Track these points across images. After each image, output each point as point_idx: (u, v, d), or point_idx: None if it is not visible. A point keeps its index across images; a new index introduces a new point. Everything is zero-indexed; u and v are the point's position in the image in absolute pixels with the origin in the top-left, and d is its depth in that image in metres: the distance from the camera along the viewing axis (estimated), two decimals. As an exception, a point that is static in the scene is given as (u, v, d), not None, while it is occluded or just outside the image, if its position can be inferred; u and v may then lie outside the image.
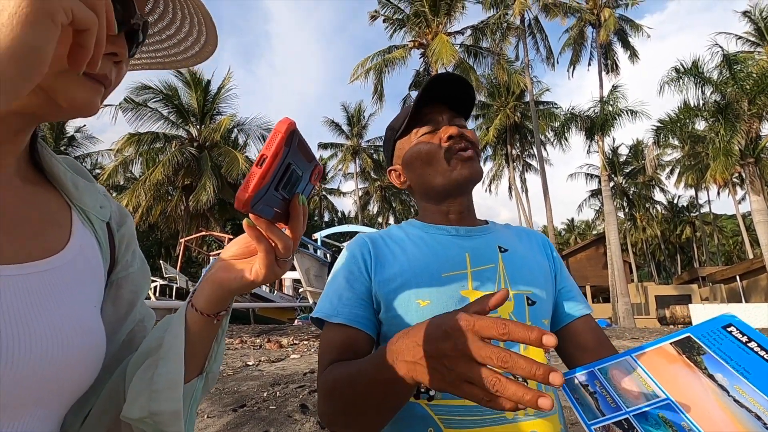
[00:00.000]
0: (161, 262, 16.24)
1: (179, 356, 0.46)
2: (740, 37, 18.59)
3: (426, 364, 0.46)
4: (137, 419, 0.45)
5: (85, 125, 25.44)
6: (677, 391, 0.59)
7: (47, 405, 0.41)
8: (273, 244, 0.43)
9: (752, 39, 18.47)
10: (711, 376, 0.59)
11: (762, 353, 0.58)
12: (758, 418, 0.51)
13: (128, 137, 19.01)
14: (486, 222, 0.92)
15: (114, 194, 25.55)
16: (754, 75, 14.34)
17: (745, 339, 0.61)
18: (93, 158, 24.20)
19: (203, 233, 18.30)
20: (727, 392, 0.56)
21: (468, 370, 0.41)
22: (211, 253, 17.24)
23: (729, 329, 0.63)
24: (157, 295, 15.66)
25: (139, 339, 0.55)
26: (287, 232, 0.44)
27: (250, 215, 0.40)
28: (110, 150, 21.94)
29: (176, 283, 15.20)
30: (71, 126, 23.85)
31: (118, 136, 23.66)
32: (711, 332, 0.64)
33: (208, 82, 20.42)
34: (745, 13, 18.47)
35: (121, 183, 24.21)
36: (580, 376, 0.71)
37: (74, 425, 0.48)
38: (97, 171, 25.32)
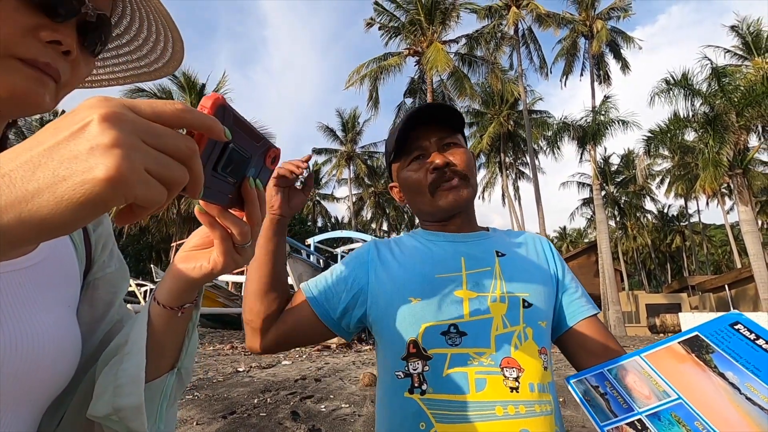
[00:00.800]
0: (152, 266, 16.06)
1: (141, 351, 0.45)
2: (728, 51, 18.99)
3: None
4: (103, 416, 0.44)
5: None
6: (689, 391, 0.59)
7: (22, 407, 0.40)
8: (229, 231, 0.41)
9: (740, 53, 18.87)
10: (722, 375, 0.59)
11: None
12: None
13: (121, 140, 18.90)
14: (486, 229, 0.94)
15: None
16: (742, 88, 14.63)
17: (753, 336, 0.61)
18: (84, 160, 23.98)
19: (195, 237, 18.15)
20: (739, 390, 0.55)
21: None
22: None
23: (736, 327, 0.63)
24: (148, 299, 15.49)
25: None
26: (245, 218, 0.42)
27: (201, 202, 0.39)
28: (102, 152, 21.78)
29: (167, 287, 15.05)
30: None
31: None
32: (719, 330, 0.64)
33: (203, 85, 20.39)
34: (733, 28, 18.88)
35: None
36: (590, 378, 0.71)
37: (50, 426, 0.48)
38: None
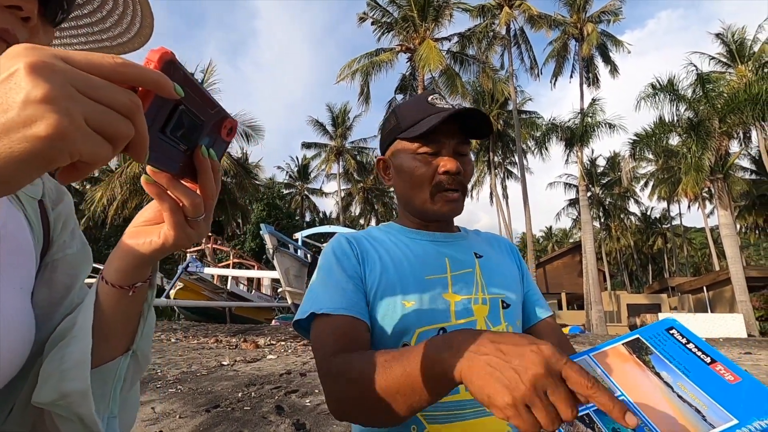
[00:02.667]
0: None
1: (87, 333, 0.43)
2: (713, 58, 19.40)
3: (488, 361, 0.46)
4: (49, 402, 0.41)
5: (59, 114, 24.55)
6: (630, 388, 0.65)
7: None
8: (180, 203, 0.39)
9: (724, 60, 19.30)
10: (658, 374, 0.64)
11: (699, 354, 0.65)
12: (698, 411, 0.57)
13: (105, 128, 18.46)
14: (459, 229, 0.96)
15: (88, 186, 24.76)
16: (725, 95, 14.98)
17: (684, 341, 0.67)
18: (67, 148, 23.39)
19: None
20: (672, 389, 0.61)
21: (550, 385, 0.44)
22: (188, 250, 16.89)
23: (671, 332, 0.70)
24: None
25: None
26: (198, 190, 0.40)
27: (148, 169, 0.36)
28: (85, 140, 21.26)
29: (150, 279, 14.82)
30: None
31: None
32: (657, 334, 0.71)
33: (191, 74, 20.05)
34: (718, 35, 19.29)
35: (96, 175, 23.48)
36: None
37: (1, 415, 0.45)
38: (71, 162, 24.46)
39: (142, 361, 0.51)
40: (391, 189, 0.96)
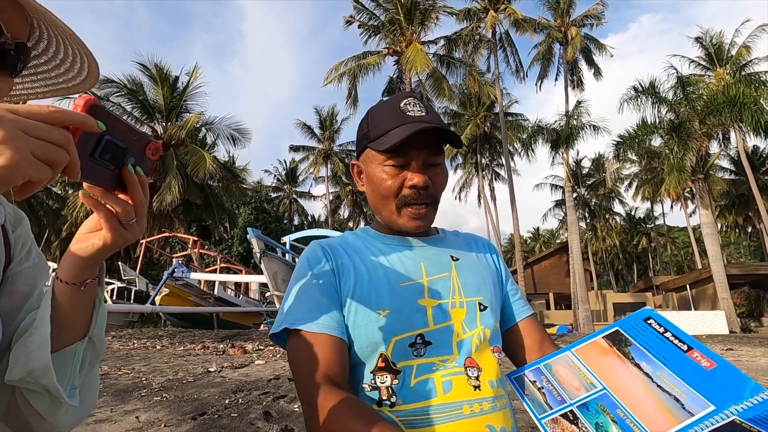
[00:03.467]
0: (119, 263, 15.54)
1: (46, 322, 0.52)
2: (693, 61, 19.88)
3: None
4: (18, 380, 0.52)
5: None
6: (611, 381, 0.66)
7: None
8: (114, 211, 0.48)
9: (703, 63, 19.79)
10: (638, 365, 0.65)
11: (676, 342, 0.66)
12: (677, 400, 0.58)
13: (88, 132, 18.09)
14: (437, 231, 0.94)
15: (71, 191, 24.26)
16: (705, 97, 15.36)
17: (662, 330, 0.68)
18: (48, 152, 22.92)
19: (166, 234, 17.64)
20: (651, 379, 0.62)
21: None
22: (174, 255, 16.65)
23: (649, 321, 0.71)
24: (114, 298, 14.94)
25: None
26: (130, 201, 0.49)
27: (85, 185, 0.46)
28: (67, 144, 20.82)
29: (135, 285, 14.56)
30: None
31: (77, 131, 22.52)
32: (635, 325, 0.72)
33: (176, 78, 19.80)
34: (697, 39, 19.78)
35: (79, 180, 23.01)
36: (529, 373, 0.77)
37: None
38: (52, 166, 23.98)
39: (99, 346, 0.60)
40: None
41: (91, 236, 0.51)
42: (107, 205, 0.48)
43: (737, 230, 32.35)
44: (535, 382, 0.75)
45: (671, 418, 0.56)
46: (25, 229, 0.64)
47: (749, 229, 32.23)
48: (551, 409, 0.68)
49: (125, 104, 18.56)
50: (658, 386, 0.61)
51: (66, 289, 0.53)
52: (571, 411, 0.65)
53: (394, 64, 19.98)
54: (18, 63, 0.54)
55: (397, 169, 0.80)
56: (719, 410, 0.54)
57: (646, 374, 0.63)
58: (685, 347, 0.64)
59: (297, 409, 3.65)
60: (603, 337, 0.73)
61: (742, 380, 0.57)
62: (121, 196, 0.49)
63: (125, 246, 0.61)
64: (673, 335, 0.66)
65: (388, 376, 0.72)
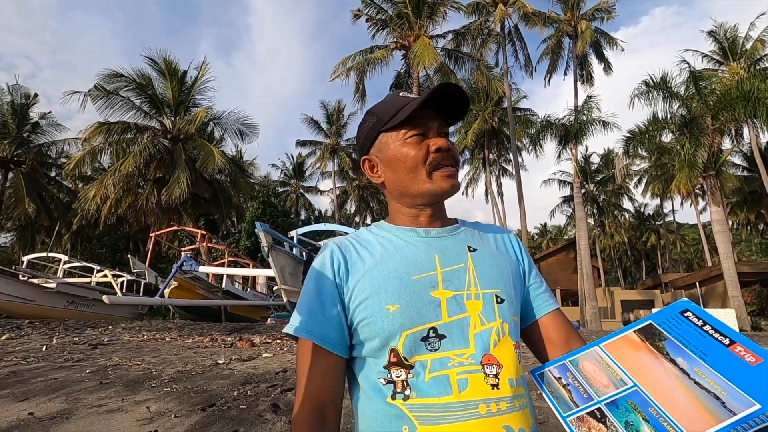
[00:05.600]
0: (129, 256, 15.68)
1: None
2: (706, 55, 19.53)
3: None
4: None
5: (50, 111, 24.34)
6: (643, 378, 0.61)
7: None
8: None
9: (717, 58, 19.43)
10: (673, 361, 0.61)
11: (717, 336, 0.60)
12: (717, 398, 0.53)
13: (97, 126, 18.25)
14: (456, 221, 0.92)
15: (81, 185, 24.54)
16: (718, 92, 15.09)
17: (700, 323, 0.63)
18: (58, 146, 23.16)
19: (175, 228, 17.77)
20: (688, 375, 0.58)
21: None
22: (183, 249, 16.79)
23: (686, 314, 0.66)
24: (124, 290, 15.12)
25: None
26: None
27: None
28: (77, 139, 21.04)
29: (144, 278, 14.72)
30: (35, 112, 22.76)
31: (86, 125, 22.76)
32: (670, 318, 0.67)
33: (185, 72, 19.87)
34: (710, 33, 19.41)
35: (89, 173, 23.26)
36: (553, 369, 0.73)
37: None
38: (63, 160, 24.28)
39: None
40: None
41: None
42: None
43: (749, 228, 31.86)
44: (560, 378, 0.71)
45: (710, 417, 0.52)
46: None
47: (761, 227, 31.74)
48: (577, 407, 0.65)
49: (134, 98, 18.69)
50: (696, 383, 0.56)
51: None
52: (599, 409, 0.62)
53: (402, 59, 19.87)
54: None
55: (419, 138, 0.82)
56: (765, 409, 0.49)
57: (683, 370, 0.58)
58: (727, 341, 0.59)
59: (304, 402, 3.69)
60: (635, 332, 0.69)
61: None
62: None
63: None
64: (713, 328, 0.61)
65: (402, 370, 0.71)
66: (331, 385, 0.75)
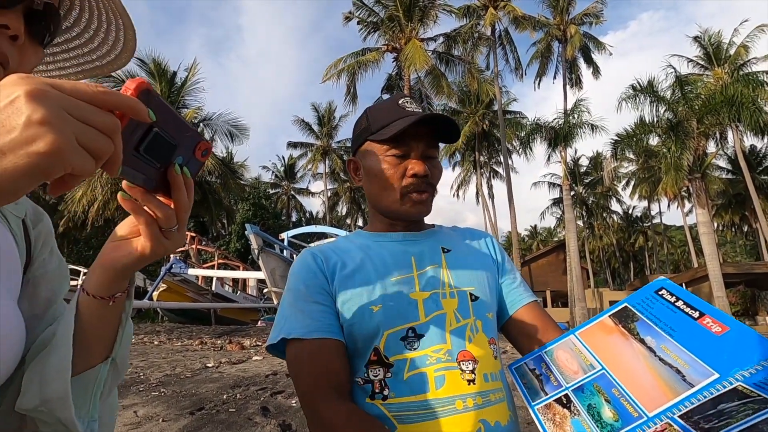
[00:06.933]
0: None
1: (68, 342, 0.45)
2: (691, 60, 19.91)
3: None
4: (32, 408, 0.44)
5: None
6: (611, 360, 0.63)
7: None
8: (154, 216, 0.42)
9: (702, 63, 19.82)
10: (642, 341, 0.62)
11: (687, 310, 0.62)
12: (678, 372, 0.55)
13: (85, 127, 17.99)
14: (432, 226, 0.95)
15: (67, 186, 24.07)
16: (703, 96, 15.38)
17: (673, 299, 0.65)
18: (44, 147, 22.78)
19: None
20: (655, 353, 0.60)
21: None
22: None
23: (660, 292, 0.68)
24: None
25: None
26: (172, 205, 0.43)
27: (123, 185, 0.40)
28: (64, 139, 20.70)
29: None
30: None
31: (74, 125, 22.36)
32: (645, 299, 0.69)
33: (174, 73, 19.70)
34: (695, 38, 19.80)
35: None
36: (529, 362, 0.76)
37: None
38: (49, 161, 23.80)
39: (121, 368, 0.53)
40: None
41: (125, 245, 0.45)
42: (148, 210, 0.42)
43: (733, 229, 32.48)
44: (534, 369, 0.74)
45: (669, 392, 0.54)
46: (46, 226, 0.58)
47: (745, 228, 32.38)
48: (546, 395, 0.67)
49: (123, 99, 18.41)
50: (661, 360, 0.58)
51: (93, 304, 0.46)
52: (566, 395, 0.64)
53: (393, 61, 19.94)
54: (48, 29, 0.48)
55: (399, 159, 0.83)
56: (723, 377, 0.51)
57: (650, 348, 0.60)
58: (696, 314, 0.60)
59: (295, 405, 3.67)
60: (610, 316, 0.71)
61: (756, 342, 0.52)
62: (162, 199, 0.42)
63: (164, 255, 0.52)
64: (685, 303, 0.63)
65: (381, 369, 0.73)
66: (345, 369, 0.74)
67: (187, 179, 0.42)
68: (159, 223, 0.42)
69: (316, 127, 32.68)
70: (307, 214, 40.94)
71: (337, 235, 12.67)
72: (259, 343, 7.98)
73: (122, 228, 0.47)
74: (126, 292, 0.49)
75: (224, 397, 3.90)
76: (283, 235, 12.55)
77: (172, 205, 0.42)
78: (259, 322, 14.77)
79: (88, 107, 0.30)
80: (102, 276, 0.46)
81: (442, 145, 0.89)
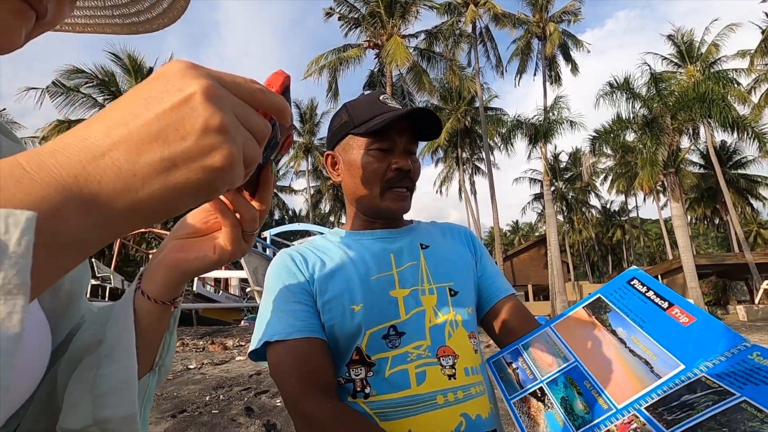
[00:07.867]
0: (93, 260, 15.06)
1: (130, 352, 0.39)
2: (665, 58, 20.46)
3: None
4: (80, 429, 0.37)
5: (5, 108, 23.08)
6: (584, 353, 0.64)
7: None
8: (239, 217, 0.38)
9: (675, 60, 20.39)
10: (614, 332, 0.63)
11: (657, 300, 0.63)
12: (647, 363, 0.57)
13: (56, 124, 17.42)
14: (411, 222, 0.95)
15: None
16: (676, 93, 15.83)
17: (644, 289, 0.66)
18: (14, 146, 21.94)
19: (143, 230, 17.19)
20: (625, 344, 0.61)
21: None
22: (151, 252, 16.25)
23: (632, 282, 0.69)
24: (89, 295, 14.52)
25: None
26: (255, 204, 0.39)
27: None
28: (34, 137, 20.00)
29: (110, 283, 14.16)
30: (-12, 109, 21.49)
31: (44, 122, 21.64)
32: (617, 289, 0.70)
33: (150, 69, 19.22)
34: (669, 37, 20.35)
35: None
36: (507, 355, 0.76)
37: None
38: (19, 160, 22.92)
39: (163, 376, 0.48)
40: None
41: (197, 245, 0.41)
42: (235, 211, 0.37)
43: (705, 222, 33.60)
44: (511, 363, 0.74)
45: (637, 384, 0.55)
46: None
47: (716, 221, 33.54)
48: (522, 388, 0.68)
49: (96, 95, 17.91)
50: (631, 351, 0.59)
51: (153, 309, 0.41)
52: (540, 388, 0.65)
53: (375, 58, 19.88)
54: None
55: (382, 153, 0.82)
56: (688, 368, 0.52)
57: (621, 340, 0.61)
58: (665, 305, 0.62)
59: (279, 404, 3.64)
60: (584, 307, 0.72)
61: (720, 333, 0.53)
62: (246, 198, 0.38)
63: (235, 260, 0.47)
64: (655, 293, 0.64)
65: (363, 368, 0.73)
66: (330, 367, 0.73)
67: (274, 177, 0.39)
68: (242, 226, 0.38)
69: (297, 124, 32.36)
70: (290, 212, 40.60)
71: (320, 232, 12.58)
72: (243, 344, 7.88)
73: (188, 225, 0.42)
74: (182, 294, 0.45)
75: (207, 398, 3.84)
76: (266, 234, 12.40)
77: (257, 206, 0.38)
78: (242, 322, 14.58)
79: (250, 111, 0.26)
80: (168, 278, 0.41)
81: (423, 143, 0.89)
